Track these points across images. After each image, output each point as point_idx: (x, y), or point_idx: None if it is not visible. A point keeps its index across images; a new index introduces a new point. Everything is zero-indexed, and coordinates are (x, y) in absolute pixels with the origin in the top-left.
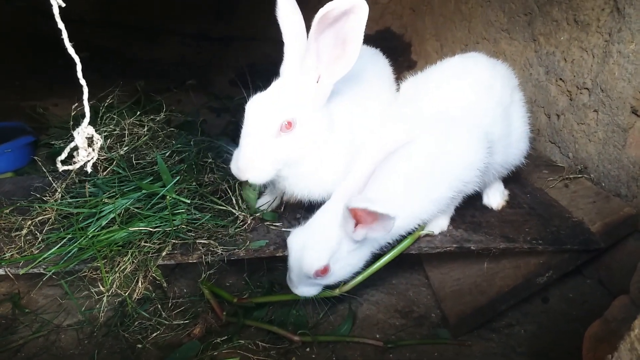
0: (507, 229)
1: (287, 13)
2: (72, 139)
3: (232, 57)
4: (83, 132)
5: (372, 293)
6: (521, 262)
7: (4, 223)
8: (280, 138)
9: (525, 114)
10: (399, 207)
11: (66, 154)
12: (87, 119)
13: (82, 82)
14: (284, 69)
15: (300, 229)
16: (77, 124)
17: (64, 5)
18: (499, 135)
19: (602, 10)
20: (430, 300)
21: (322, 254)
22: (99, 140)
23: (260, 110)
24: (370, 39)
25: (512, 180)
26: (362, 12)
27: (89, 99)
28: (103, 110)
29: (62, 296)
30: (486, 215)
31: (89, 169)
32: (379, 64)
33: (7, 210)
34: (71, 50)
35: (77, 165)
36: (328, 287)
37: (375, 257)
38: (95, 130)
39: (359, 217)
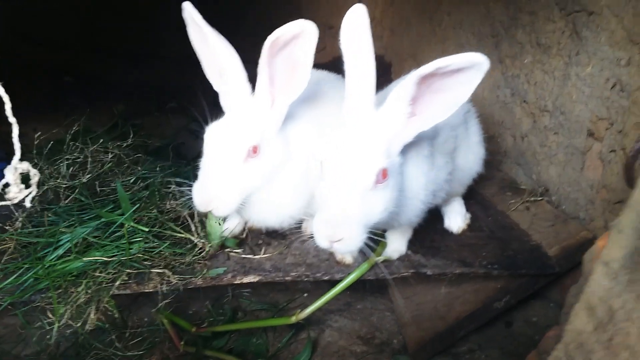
0: (465, 253)
1: (221, 44)
2: (51, 170)
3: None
4: (15, 168)
5: (335, 319)
6: (480, 286)
7: None
8: (248, 164)
9: (479, 132)
10: None
11: None
12: (17, 156)
13: (12, 120)
14: (233, 97)
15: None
16: (40, 153)
17: None
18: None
19: (562, 33)
20: (393, 326)
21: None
22: (35, 175)
23: (224, 137)
24: None
25: (474, 202)
26: (312, 36)
27: (72, 123)
28: (70, 137)
29: (22, 326)
30: (446, 239)
31: (27, 204)
32: (339, 88)
33: None
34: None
35: (11, 202)
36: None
37: (331, 285)
38: (59, 160)
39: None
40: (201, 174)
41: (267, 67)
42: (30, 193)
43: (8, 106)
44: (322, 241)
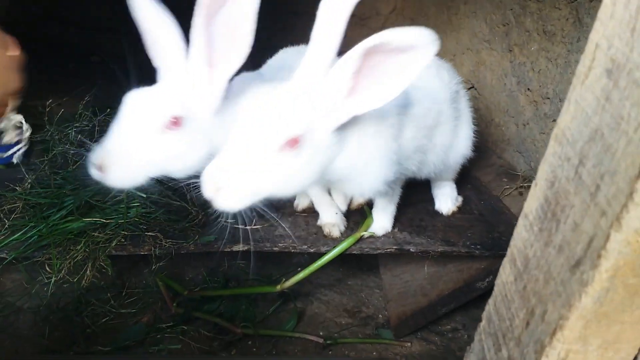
0: (451, 233)
1: (149, 13)
2: (60, 136)
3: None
4: (9, 118)
5: (325, 292)
6: (464, 266)
7: None
8: (164, 136)
9: (470, 110)
10: None
11: None
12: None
13: None
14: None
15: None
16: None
17: None
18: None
19: (566, 20)
20: (380, 302)
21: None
22: (27, 130)
23: (143, 104)
24: None
25: (470, 187)
26: None
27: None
28: (81, 107)
29: (27, 281)
30: (434, 220)
31: (15, 160)
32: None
33: None
34: None
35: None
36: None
37: (317, 256)
38: (70, 127)
39: None
40: (106, 135)
41: (203, 31)
42: (20, 148)
43: None
44: (205, 189)
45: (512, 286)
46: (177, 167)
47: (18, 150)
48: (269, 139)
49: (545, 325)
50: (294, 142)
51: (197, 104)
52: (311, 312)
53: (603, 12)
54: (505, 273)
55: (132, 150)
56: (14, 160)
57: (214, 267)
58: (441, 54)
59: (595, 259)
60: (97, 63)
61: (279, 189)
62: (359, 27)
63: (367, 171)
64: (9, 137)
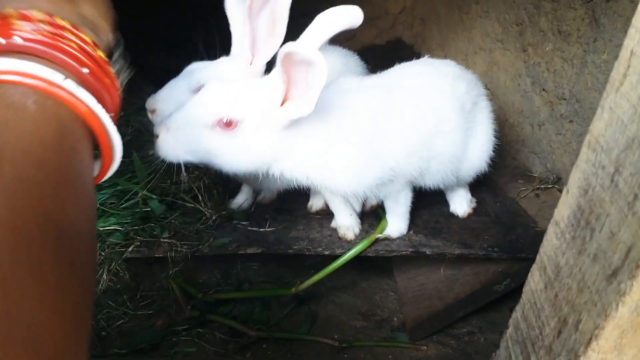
0: (467, 235)
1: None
2: None
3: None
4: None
5: (339, 295)
6: (481, 269)
7: None
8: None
9: (490, 123)
10: None
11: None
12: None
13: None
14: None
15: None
16: None
17: None
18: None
19: (582, 20)
20: (395, 305)
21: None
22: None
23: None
24: (381, 50)
25: (486, 189)
26: None
27: None
28: None
29: None
30: (450, 222)
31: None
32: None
33: None
34: None
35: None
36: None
37: (332, 259)
38: None
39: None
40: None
41: (249, 25)
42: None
43: None
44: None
45: (542, 294)
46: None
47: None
48: (204, 114)
49: (580, 335)
50: (229, 124)
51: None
52: (325, 315)
53: (637, 19)
54: (534, 280)
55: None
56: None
57: (227, 270)
58: (452, 54)
59: (633, 269)
60: None
61: (211, 161)
62: (368, 27)
63: (334, 173)
64: (123, 76)
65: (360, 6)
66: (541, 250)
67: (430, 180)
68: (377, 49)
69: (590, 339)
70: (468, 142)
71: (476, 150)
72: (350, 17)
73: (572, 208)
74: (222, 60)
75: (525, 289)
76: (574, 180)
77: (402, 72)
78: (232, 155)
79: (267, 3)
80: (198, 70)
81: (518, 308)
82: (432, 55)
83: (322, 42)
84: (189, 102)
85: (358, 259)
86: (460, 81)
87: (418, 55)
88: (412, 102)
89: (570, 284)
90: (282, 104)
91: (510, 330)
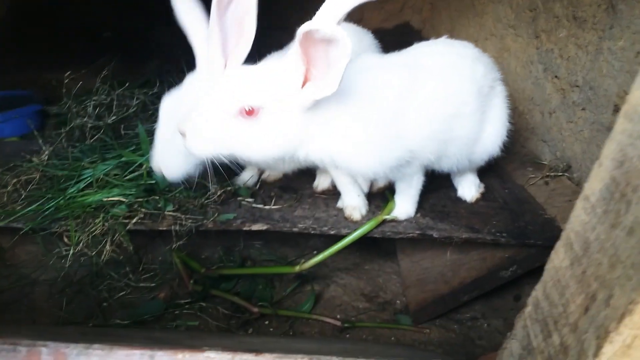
0: (475, 220)
1: (187, 9)
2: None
3: (258, 45)
4: None
5: (342, 276)
6: (488, 255)
7: None
8: None
9: (505, 108)
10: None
11: None
12: None
13: None
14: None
15: None
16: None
17: None
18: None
19: (598, 6)
20: (398, 288)
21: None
22: None
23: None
24: (388, 33)
25: (494, 175)
26: None
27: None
28: (99, 81)
29: (43, 253)
30: (457, 206)
31: None
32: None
33: (1, 170)
34: None
35: None
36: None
37: (337, 239)
38: (88, 100)
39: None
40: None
41: (217, 27)
42: None
43: None
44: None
45: (568, 271)
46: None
47: None
48: (225, 104)
49: (611, 311)
50: (250, 112)
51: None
52: (328, 295)
53: None
54: (559, 258)
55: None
56: None
57: (229, 247)
58: (463, 39)
59: None
60: (108, 39)
61: (239, 150)
62: (377, 10)
63: (358, 154)
64: None
65: None
66: (568, 227)
67: (446, 164)
68: (384, 33)
69: (624, 314)
70: (484, 126)
71: (491, 135)
72: None
73: (604, 181)
74: (190, 80)
75: (548, 266)
76: (608, 152)
77: (422, 51)
78: (258, 142)
79: (231, 2)
80: (173, 110)
81: (538, 287)
82: None
83: (340, 19)
84: (210, 93)
85: (362, 240)
86: (478, 64)
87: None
88: (432, 82)
89: (600, 259)
90: (303, 86)
91: (528, 309)
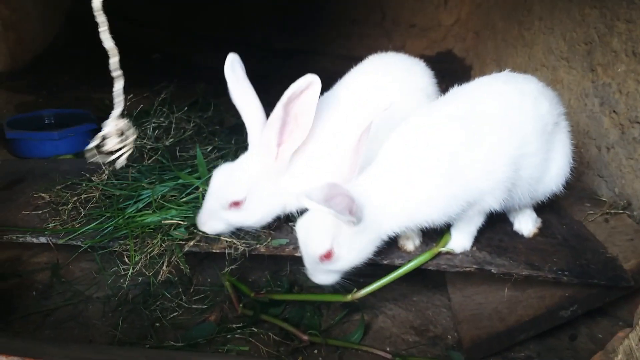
0: (534, 256)
1: (242, 93)
2: (138, 131)
3: (292, 69)
4: (113, 122)
5: (390, 307)
6: (547, 293)
7: (54, 198)
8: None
9: (569, 144)
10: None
11: (96, 143)
12: (118, 110)
13: (118, 72)
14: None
15: (305, 215)
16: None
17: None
18: (532, 156)
19: None
20: (448, 322)
21: (323, 237)
22: (133, 133)
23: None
24: (430, 60)
25: (550, 210)
26: (317, 87)
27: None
28: (157, 104)
29: (97, 271)
30: (515, 241)
31: (119, 164)
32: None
33: (60, 187)
34: (108, 40)
35: (110, 157)
36: (347, 279)
37: (390, 269)
38: (147, 122)
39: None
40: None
41: (279, 121)
42: (125, 152)
43: (114, 59)
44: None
45: None
46: (246, 225)
47: (122, 155)
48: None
49: None
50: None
51: (262, 180)
52: (377, 326)
53: None
54: None
55: (210, 217)
56: (117, 165)
57: (276, 272)
58: (510, 69)
59: None
60: (158, 61)
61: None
62: (419, 37)
63: (421, 211)
64: (112, 143)
65: (413, 16)
66: None
67: (507, 204)
68: (426, 60)
69: None
70: (548, 164)
71: (554, 172)
72: None
73: None
74: (244, 159)
75: None
76: None
77: (479, 95)
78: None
79: (295, 100)
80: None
81: (632, 336)
82: (486, 70)
83: None
84: (207, 194)
85: (409, 272)
86: (542, 100)
87: (469, 69)
88: (492, 130)
89: None
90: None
91: (619, 358)
